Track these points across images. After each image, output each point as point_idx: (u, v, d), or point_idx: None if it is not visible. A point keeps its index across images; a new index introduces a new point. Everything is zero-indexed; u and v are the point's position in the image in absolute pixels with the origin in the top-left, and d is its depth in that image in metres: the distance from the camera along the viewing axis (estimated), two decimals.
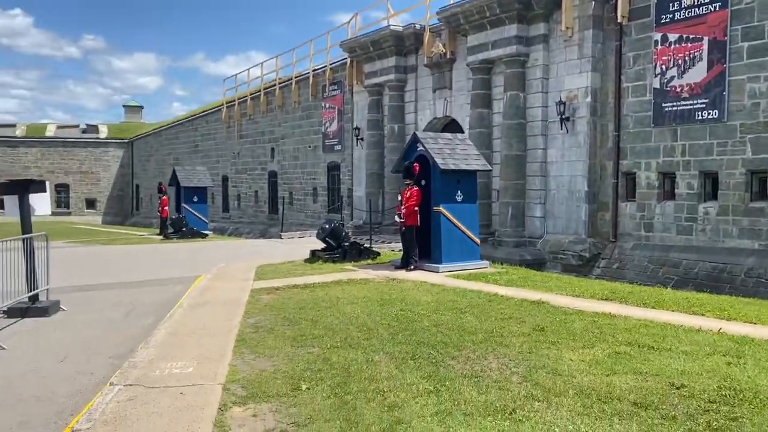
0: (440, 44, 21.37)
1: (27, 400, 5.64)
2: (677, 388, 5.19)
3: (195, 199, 26.32)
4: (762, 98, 13.60)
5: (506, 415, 4.69)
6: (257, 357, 6.54)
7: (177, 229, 24.29)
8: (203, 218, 26.32)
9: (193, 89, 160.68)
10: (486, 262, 13.66)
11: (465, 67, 20.40)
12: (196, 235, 24.31)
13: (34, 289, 9.24)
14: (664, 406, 4.79)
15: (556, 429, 4.39)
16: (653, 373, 5.60)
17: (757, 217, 13.76)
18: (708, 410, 4.71)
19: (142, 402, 5.15)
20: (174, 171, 27.36)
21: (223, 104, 38.81)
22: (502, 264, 14.48)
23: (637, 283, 13.31)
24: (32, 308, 9.15)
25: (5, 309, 8.92)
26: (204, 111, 43.16)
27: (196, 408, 4.99)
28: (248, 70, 36.81)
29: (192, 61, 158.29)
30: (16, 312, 9.04)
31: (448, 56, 21.14)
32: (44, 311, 9.16)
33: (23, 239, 9.17)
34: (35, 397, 5.71)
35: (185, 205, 25.98)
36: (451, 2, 20.28)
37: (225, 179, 38.76)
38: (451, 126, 21.77)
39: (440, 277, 12.07)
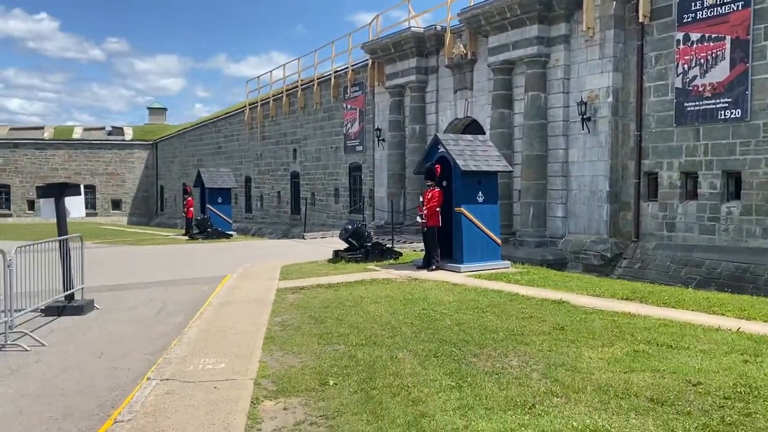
0: (461, 45, 21.51)
1: (69, 394, 5.95)
2: (693, 385, 5.34)
3: (219, 200, 26.81)
4: None
5: (526, 409, 4.88)
6: (286, 354, 6.80)
7: (202, 229, 24.76)
8: (227, 219, 26.81)
9: (215, 90, 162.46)
10: (507, 262, 13.80)
11: (486, 68, 20.52)
12: (221, 235, 24.75)
13: (69, 289, 9.61)
14: (680, 402, 4.95)
15: (573, 423, 4.56)
16: (670, 371, 5.74)
17: None
18: (723, 406, 4.85)
19: (179, 396, 5.43)
20: (199, 172, 27.87)
21: (245, 106, 39.32)
22: (523, 264, 14.61)
23: (659, 283, 13.35)
24: (68, 307, 9.51)
25: (43, 308, 9.29)
26: (227, 113, 43.75)
27: (230, 401, 5.25)
28: (270, 72, 37.30)
29: (214, 62, 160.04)
30: (53, 310, 9.41)
31: (468, 57, 21.27)
32: (80, 310, 9.52)
33: (60, 241, 9.54)
34: (77, 391, 6.02)
35: (210, 206, 26.47)
36: (472, 3, 20.42)
37: (248, 180, 39.27)
38: (472, 126, 21.90)
39: (462, 276, 12.25)
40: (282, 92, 35.05)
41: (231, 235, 25.50)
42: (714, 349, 6.45)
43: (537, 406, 4.94)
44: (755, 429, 4.43)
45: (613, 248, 16.69)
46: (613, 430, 4.45)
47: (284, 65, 35.86)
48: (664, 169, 16.01)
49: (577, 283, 11.55)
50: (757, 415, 4.64)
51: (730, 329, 7.33)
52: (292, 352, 6.87)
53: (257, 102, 37.75)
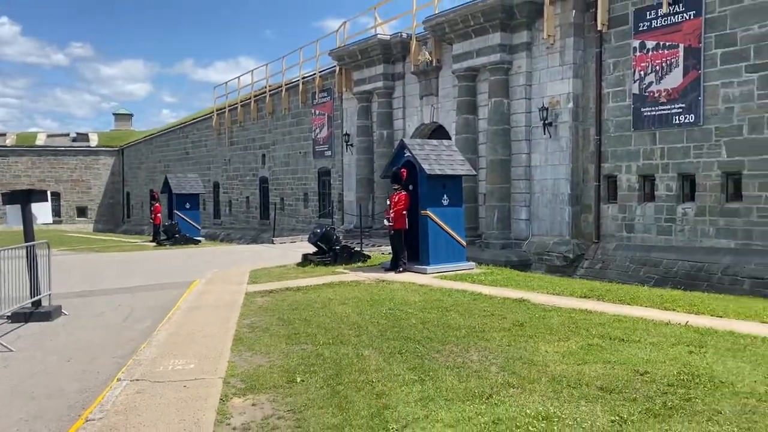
0: (426, 52, 21.90)
1: (39, 397, 6.02)
2: (641, 375, 5.68)
3: (187, 205, 26.68)
4: (735, 103, 14.17)
5: (483, 399, 5.16)
6: (254, 354, 6.97)
7: (170, 235, 24.60)
8: (195, 225, 26.68)
9: (182, 96, 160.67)
10: (472, 264, 14.12)
11: (451, 75, 20.92)
12: (189, 241, 24.63)
13: (36, 295, 9.60)
14: (627, 390, 5.28)
15: (527, 410, 4.85)
16: (620, 362, 6.08)
17: (733, 217, 14.30)
18: (666, 392, 5.19)
19: (150, 395, 5.57)
20: (166, 178, 27.69)
21: (213, 111, 39.19)
22: (488, 265, 14.96)
23: (619, 282, 13.81)
24: (35, 313, 9.50)
25: (9, 314, 9.26)
26: (194, 118, 43.52)
27: (200, 399, 5.41)
28: (238, 77, 37.25)
29: (180, 67, 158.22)
30: (20, 317, 9.39)
31: (434, 64, 21.67)
32: (47, 316, 9.52)
33: (26, 247, 9.53)
34: (46, 394, 6.10)
35: (177, 212, 26.32)
36: (437, 11, 20.82)
37: (216, 186, 39.11)
38: (439, 132, 22.28)
39: (428, 278, 12.52)
40: (250, 98, 35.07)
41: (199, 241, 25.40)
42: (662, 342, 6.83)
43: (494, 396, 5.21)
44: (693, 412, 4.77)
45: (575, 249, 17.18)
46: (563, 416, 4.74)
47: (252, 71, 36.07)
48: (622, 172, 16.56)
49: (538, 282, 11.92)
50: (697, 400, 4.99)
51: (679, 323, 7.74)
52: (260, 352, 7.04)
53: (225, 107, 37.67)
